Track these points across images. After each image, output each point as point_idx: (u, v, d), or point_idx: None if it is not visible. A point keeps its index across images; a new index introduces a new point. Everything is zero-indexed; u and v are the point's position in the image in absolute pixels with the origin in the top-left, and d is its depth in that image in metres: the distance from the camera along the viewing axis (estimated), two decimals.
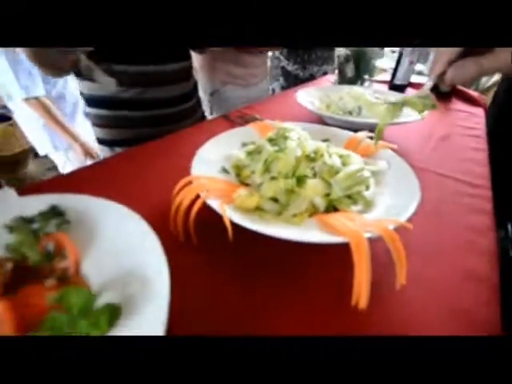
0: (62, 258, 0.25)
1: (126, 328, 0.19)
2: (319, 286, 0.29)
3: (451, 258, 0.33)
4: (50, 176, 1.47)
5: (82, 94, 0.72)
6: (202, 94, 1.00)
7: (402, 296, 0.28)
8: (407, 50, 0.88)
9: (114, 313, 0.19)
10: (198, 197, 0.30)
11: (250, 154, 0.39)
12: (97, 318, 0.19)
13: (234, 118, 0.68)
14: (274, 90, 1.26)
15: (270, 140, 0.38)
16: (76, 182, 0.44)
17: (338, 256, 0.32)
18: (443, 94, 0.91)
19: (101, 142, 0.77)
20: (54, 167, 1.34)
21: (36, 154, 1.91)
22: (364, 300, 0.24)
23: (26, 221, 0.25)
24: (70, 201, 0.29)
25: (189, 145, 0.52)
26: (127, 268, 0.23)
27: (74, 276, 0.24)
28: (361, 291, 0.24)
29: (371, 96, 0.69)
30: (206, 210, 0.29)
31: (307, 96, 0.67)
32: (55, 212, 0.27)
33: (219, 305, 0.26)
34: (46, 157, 1.23)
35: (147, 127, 0.73)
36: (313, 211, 0.31)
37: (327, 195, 0.32)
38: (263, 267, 0.30)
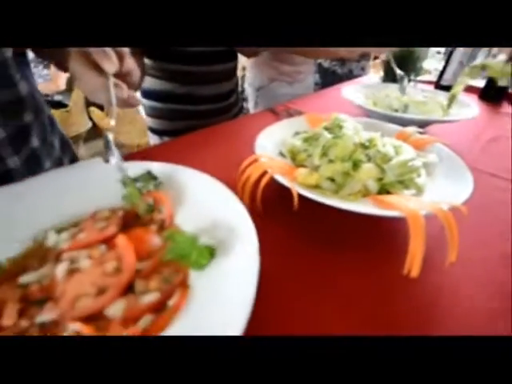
0: (159, 212, 0.31)
1: (225, 263, 0.23)
2: (372, 256, 0.32)
3: (495, 248, 0.34)
4: None
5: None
6: (249, 89, 1.05)
7: (447, 273, 0.30)
8: (458, 50, 0.86)
9: (212, 250, 0.24)
10: (264, 173, 0.35)
11: (306, 140, 0.42)
12: (202, 251, 0.24)
13: (279, 111, 0.72)
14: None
15: (326, 128, 0.42)
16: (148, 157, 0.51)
17: (388, 230, 0.35)
18: (496, 93, 0.88)
19: (152, 130, 0.85)
20: (99, 152, 1.48)
21: (85, 140, 2.10)
22: (416, 269, 0.27)
23: (133, 180, 0.31)
24: (159, 167, 0.35)
25: (242, 133, 0.56)
26: (214, 219, 0.28)
27: (169, 225, 0.30)
28: (414, 262, 0.27)
29: (418, 94, 0.69)
30: (268, 184, 0.34)
31: (353, 92, 0.69)
32: (151, 175, 0.33)
33: (284, 263, 0.31)
34: (92, 142, 1.36)
35: (194, 120, 0.80)
36: (365, 193, 0.35)
37: (380, 179, 0.35)
38: (321, 236, 0.34)
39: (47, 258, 0.25)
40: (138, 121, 1.69)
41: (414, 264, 0.27)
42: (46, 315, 0.21)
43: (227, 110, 0.86)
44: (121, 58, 0.31)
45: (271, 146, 0.44)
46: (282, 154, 0.43)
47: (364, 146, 0.38)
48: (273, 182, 0.34)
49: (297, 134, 0.48)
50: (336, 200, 0.32)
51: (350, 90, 0.69)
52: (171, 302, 0.22)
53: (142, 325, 0.20)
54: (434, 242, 0.31)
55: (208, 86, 0.77)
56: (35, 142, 0.46)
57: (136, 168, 0.34)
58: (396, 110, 0.64)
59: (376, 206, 0.31)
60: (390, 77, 0.83)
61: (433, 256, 0.30)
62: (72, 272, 0.24)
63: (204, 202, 0.30)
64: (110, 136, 0.29)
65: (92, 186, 0.33)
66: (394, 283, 0.29)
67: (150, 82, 0.76)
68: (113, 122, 0.30)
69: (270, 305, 0.26)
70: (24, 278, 0.23)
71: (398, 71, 0.70)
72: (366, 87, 0.75)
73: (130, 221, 0.30)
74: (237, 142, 0.57)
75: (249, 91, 1.07)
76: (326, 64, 1.21)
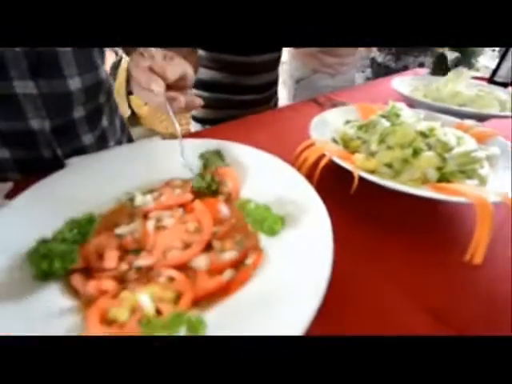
0: (225, 185, 0.33)
1: (297, 232, 0.25)
2: (431, 243, 0.32)
3: None
4: None
5: None
6: (288, 80, 1.06)
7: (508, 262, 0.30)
8: None
9: (283, 220, 0.26)
10: (322, 156, 0.36)
11: (360, 128, 0.43)
12: (275, 219, 0.26)
13: (322, 102, 0.73)
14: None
15: (383, 116, 0.42)
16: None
17: (447, 217, 0.35)
18: None
19: (195, 119, 0.88)
20: (138, 138, 1.55)
21: None
22: (480, 256, 0.27)
23: (202, 155, 0.34)
24: (223, 145, 0.37)
25: (288, 122, 0.57)
26: (280, 194, 0.30)
27: (235, 198, 0.32)
28: (478, 249, 0.27)
29: (473, 89, 0.66)
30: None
31: (402, 84, 0.67)
32: (218, 152, 0.35)
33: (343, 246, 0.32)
34: (131, 129, 1.43)
35: (237, 109, 0.82)
36: (424, 180, 0.35)
37: (439, 168, 0.35)
38: (378, 221, 0.35)
39: (135, 215, 0.28)
40: None
41: (477, 251, 0.27)
42: (142, 261, 0.24)
43: (268, 100, 0.87)
44: (164, 73, 0.31)
45: (324, 132, 0.44)
46: (334, 141, 0.44)
47: (424, 135, 0.38)
48: (327, 166, 0.35)
49: (348, 122, 0.48)
50: (399, 185, 0.32)
51: (399, 82, 0.68)
52: (248, 261, 0.24)
53: (225, 277, 0.23)
54: (496, 231, 0.30)
55: (254, 76, 0.79)
56: (105, 122, 0.51)
57: (199, 146, 0.37)
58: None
59: (436, 193, 0.31)
60: (439, 70, 0.80)
61: (494, 245, 0.30)
62: (159, 228, 0.27)
63: (268, 178, 0.32)
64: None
65: (158, 159, 0.36)
66: (455, 270, 0.29)
67: (198, 72, 0.79)
68: (178, 133, 0.34)
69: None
70: (118, 230, 0.26)
71: (459, 68, 0.67)
72: (416, 79, 0.72)
73: (200, 192, 0.32)
74: (284, 131, 0.59)
75: (287, 83, 1.08)
76: (379, 59, 1.18)
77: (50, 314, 0.20)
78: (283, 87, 1.11)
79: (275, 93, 0.91)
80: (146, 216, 0.28)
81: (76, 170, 0.33)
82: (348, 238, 0.33)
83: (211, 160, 0.34)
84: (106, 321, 0.19)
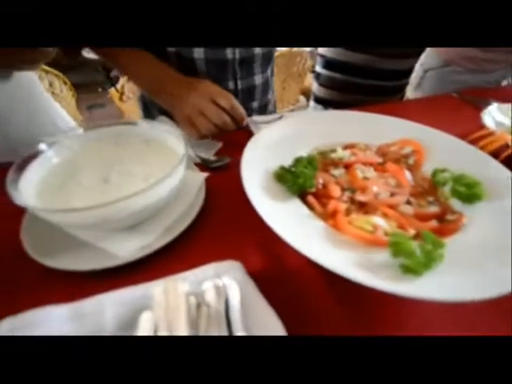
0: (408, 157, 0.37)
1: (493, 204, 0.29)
2: None
3: None
4: None
5: (322, 56, 0.86)
6: (418, 67, 1.00)
7: None
8: None
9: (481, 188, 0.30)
10: (504, 146, 0.37)
11: None
12: (475, 188, 0.29)
13: (467, 98, 0.69)
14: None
15: None
16: None
17: None
18: None
19: (317, 99, 0.91)
20: None
21: None
22: None
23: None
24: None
25: (425, 113, 0.56)
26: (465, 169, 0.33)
27: (417, 168, 0.36)
28: None
29: None
30: None
31: None
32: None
33: None
34: None
35: (363, 94, 0.82)
36: None
37: None
38: None
39: (337, 164, 0.35)
40: None
41: None
42: (361, 197, 0.30)
43: (400, 89, 0.85)
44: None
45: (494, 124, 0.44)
46: None
47: None
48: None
49: None
50: None
51: None
52: (451, 217, 0.29)
53: (432, 224, 0.28)
54: None
55: (394, 60, 0.77)
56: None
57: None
58: None
59: None
60: None
61: None
62: (364, 178, 0.33)
63: (452, 156, 0.35)
64: None
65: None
66: None
67: (335, 53, 0.82)
68: None
69: None
70: (333, 172, 0.34)
71: None
72: None
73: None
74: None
75: (417, 71, 1.02)
76: None
77: (299, 215, 0.29)
78: None
79: (407, 83, 0.88)
80: (347, 166, 0.35)
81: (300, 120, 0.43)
82: None
83: None
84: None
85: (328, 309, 0.25)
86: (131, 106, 1.74)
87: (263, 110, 0.66)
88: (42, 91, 0.57)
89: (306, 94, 2.31)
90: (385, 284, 0.20)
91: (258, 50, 0.55)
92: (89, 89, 2.94)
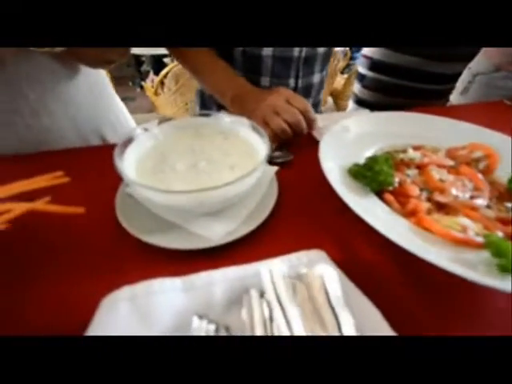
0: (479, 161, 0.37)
1: None
2: None
3: None
4: None
5: (368, 57, 0.85)
6: (466, 72, 0.98)
7: None
8: None
9: None
10: None
11: None
12: None
13: None
14: None
15: None
16: None
17: None
18: None
19: (358, 101, 0.91)
20: None
21: None
22: None
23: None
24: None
25: (477, 118, 0.54)
26: None
27: (489, 173, 0.36)
28: None
29: None
30: None
31: None
32: None
33: None
34: None
35: (406, 97, 0.80)
36: None
37: None
38: None
39: (409, 165, 0.36)
40: None
41: None
42: (441, 198, 0.31)
43: (445, 94, 0.83)
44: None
45: None
46: None
47: None
48: None
49: None
50: None
51: None
52: None
53: None
54: None
55: (443, 64, 0.76)
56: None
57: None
58: None
59: None
60: None
61: None
62: (440, 180, 0.33)
63: None
64: None
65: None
66: None
67: (382, 54, 0.81)
68: None
69: None
70: (408, 171, 0.34)
71: None
72: None
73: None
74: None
75: (464, 75, 0.99)
76: None
77: (381, 212, 0.29)
78: None
79: (453, 88, 0.86)
80: (419, 167, 0.35)
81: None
82: None
83: None
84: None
85: (406, 308, 0.26)
86: (163, 100, 1.79)
87: (315, 108, 0.67)
88: (108, 84, 0.60)
89: (334, 95, 2.30)
90: (492, 281, 0.20)
91: (320, 49, 0.56)
92: (120, 82, 3.05)
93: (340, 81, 2.18)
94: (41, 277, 0.27)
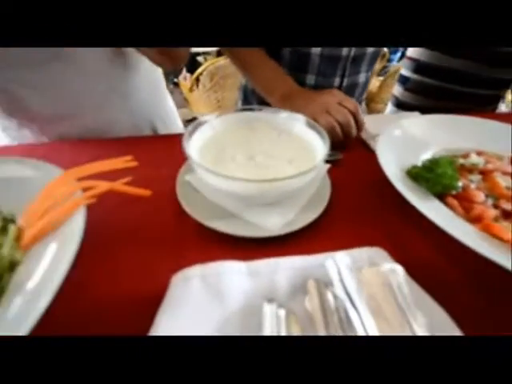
0: None
1: None
2: None
3: None
4: None
5: (414, 60, 0.82)
6: None
7: None
8: None
9: None
10: None
11: None
12: None
13: None
14: None
15: None
16: None
17: None
18: None
19: (401, 105, 0.87)
20: None
21: None
22: None
23: None
24: None
25: None
26: None
27: None
28: None
29: None
30: None
31: None
32: None
33: None
34: None
35: (456, 102, 0.76)
36: None
37: None
38: None
39: (471, 170, 0.34)
40: None
41: None
42: (507, 206, 0.29)
43: (496, 99, 0.79)
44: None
45: None
46: None
47: None
48: None
49: None
50: None
51: None
52: None
53: None
54: None
55: (495, 68, 0.71)
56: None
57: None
58: None
59: None
60: None
61: None
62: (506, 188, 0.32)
63: None
64: None
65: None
66: None
67: (429, 57, 0.77)
68: None
69: None
70: (471, 177, 0.33)
71: None
72: None
73: None
74: None
75: None
76: None
77: (445, 216, 0.29)
78: None
79: (504, 94, 0.81)
80: (482, 172, 0.34)
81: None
82: None
83: None
84: None
85: (469, 309, 0.25)
86: (197, 97, 1.84)
87: None
88: (162, 81, 0.64)
89: (368, 97, 2.23)
90: None
91: (369, 49, 0.55)
92: None
93: (375, 83, 2.11)
94: (113, 251, 0.30)
